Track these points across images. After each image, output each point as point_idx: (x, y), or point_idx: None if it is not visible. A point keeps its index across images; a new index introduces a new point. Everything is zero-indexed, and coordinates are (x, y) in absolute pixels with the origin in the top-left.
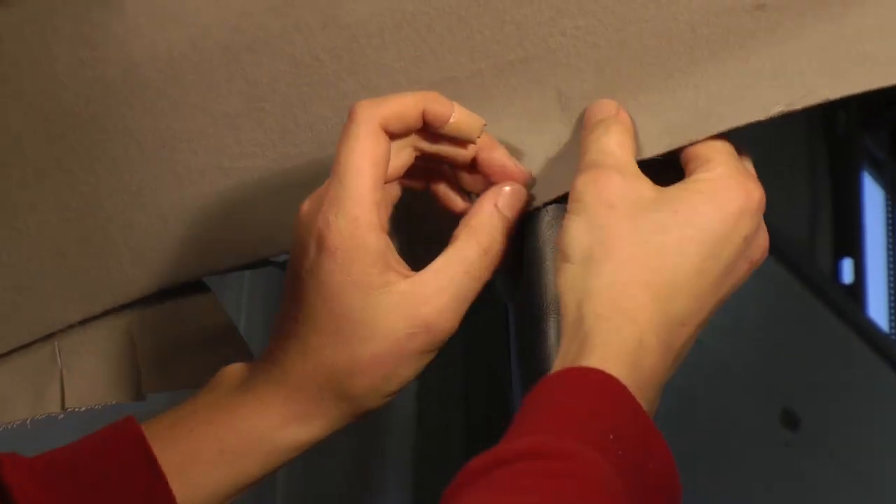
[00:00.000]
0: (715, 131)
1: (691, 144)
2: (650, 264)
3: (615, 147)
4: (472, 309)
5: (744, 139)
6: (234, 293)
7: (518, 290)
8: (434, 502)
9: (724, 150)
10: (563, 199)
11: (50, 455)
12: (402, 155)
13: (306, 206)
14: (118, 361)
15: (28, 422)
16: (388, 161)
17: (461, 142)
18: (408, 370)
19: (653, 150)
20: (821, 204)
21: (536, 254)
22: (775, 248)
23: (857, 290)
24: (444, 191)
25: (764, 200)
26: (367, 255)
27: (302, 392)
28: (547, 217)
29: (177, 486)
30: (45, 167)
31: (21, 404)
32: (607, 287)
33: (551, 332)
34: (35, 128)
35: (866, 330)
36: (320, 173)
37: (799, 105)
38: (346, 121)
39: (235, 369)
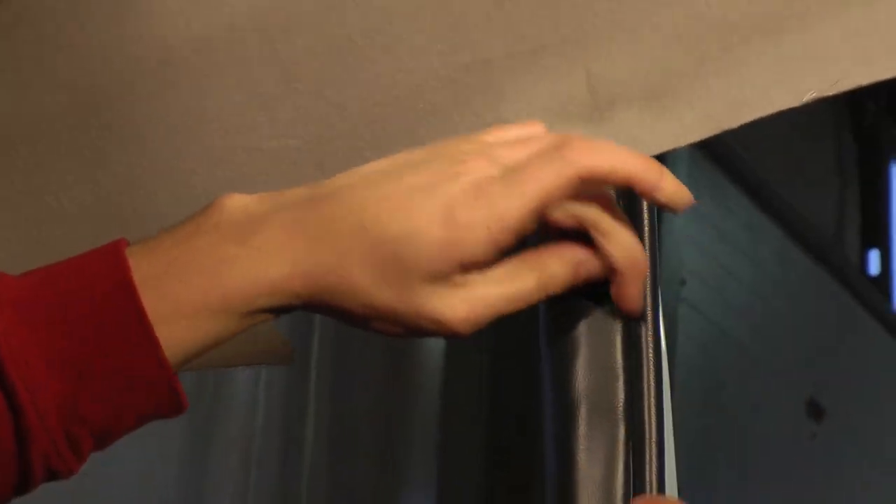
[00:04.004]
0: (747, 119)
1: None
2: None
3: None
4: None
5: (772, 128)
6: None
7: None
8: (460, 490)
9: None
10: None
11: (38, 288)
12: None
13: None
14: None
15: None
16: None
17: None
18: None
19: (688, 138)
20: (848, 194)
21: None
22: (803, 239)
23: (884, 281)
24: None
25: None
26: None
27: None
28: None
29: (162, 334)
30: (77, 145)
31: None
32: None
33: (581, 321)
34: (68, 106)
35: (893, 321)
36: (352, 155)
37: (831, 91)
38: (553, 153)
39: (237, 203)
